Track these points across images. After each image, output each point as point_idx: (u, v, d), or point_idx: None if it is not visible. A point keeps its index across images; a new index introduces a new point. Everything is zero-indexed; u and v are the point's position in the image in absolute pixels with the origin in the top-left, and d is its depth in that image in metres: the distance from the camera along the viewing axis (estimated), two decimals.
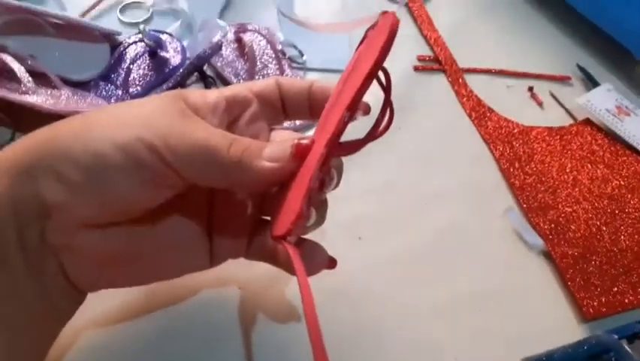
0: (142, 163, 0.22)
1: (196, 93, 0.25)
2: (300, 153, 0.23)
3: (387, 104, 0.24)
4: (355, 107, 0.22)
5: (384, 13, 0.25)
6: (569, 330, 0.39)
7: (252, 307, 0.37)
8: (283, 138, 0.27)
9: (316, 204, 0.25)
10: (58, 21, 0.49)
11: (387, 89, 0.24)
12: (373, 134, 0.25)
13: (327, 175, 0.24)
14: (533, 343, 0.37)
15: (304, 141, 0.24)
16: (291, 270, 0.26)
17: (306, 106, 0.28)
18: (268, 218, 0.27)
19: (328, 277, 0.36)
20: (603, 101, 0.52)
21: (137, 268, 0.26)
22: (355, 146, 0.25)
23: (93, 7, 0.55)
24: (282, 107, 0.28)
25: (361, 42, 0.27)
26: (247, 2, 0.60)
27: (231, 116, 0.27)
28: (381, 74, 0.23)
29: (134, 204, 0.23)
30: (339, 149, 0.24)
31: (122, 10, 0.57)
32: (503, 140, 0.50)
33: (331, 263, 0.28)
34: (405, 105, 0.52)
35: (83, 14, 0.55)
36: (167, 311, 0.36)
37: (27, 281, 0.22)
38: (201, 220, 0.27)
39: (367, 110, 0.26)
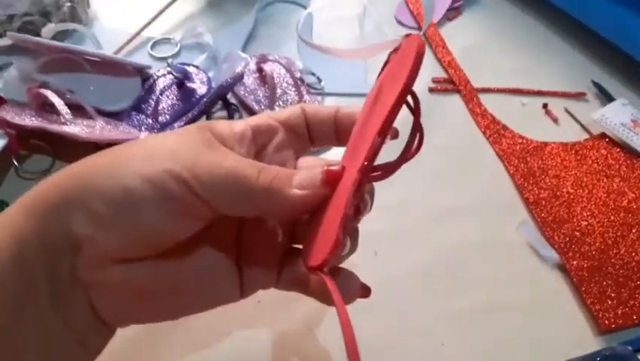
0: (170, 195, 0.22)
1: (223, 124, 0.26)
2: (331, 179, 0.23)
3: (417, 126, 0.24)
4: (387, 131, 0.22)
5: (408, 35, 0.25)
6: (584, 342, 0.39)
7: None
8: (310, 165, 0.27)
9: (350, 232, 0.24)
10: (95, 58, 0.53)
11: (416, 111, 0.24)
12: (405, 157, 0.24)
13: (362, 201, 0.24)
14: (549, 355, 0.38)
15: (334, 167, 0.23)
16: (323, 299, 0.26)
17: (332, 132, 0.28)
18: (299, 246, 0.27)
19: None
20: (618, 116, 0.53)
21: (166, 302, 0.25)
22: (387, 170, 0.24)
23: (126, 44, 0.59)
24: (308, 133, 0.28)
25: (384, 66, 0.27)
26: (269, 34, 0.64)
27: (258, 145, 0.27)
28: (408, 97, 0.23)
29: (163, 237, 0.23)
30: (371, 174, 0.23)
31: (152, 46, 0.61)
32: (518, 156, 0.51)
33: (365, 291, 0.27)
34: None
35: (117, 51, 0.59)
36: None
37: (55, 317, 0.22)
38: (230, 251, 0.27)
39: (396, 135, 0.26)
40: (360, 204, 0.24)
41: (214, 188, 0.22)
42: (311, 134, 0.28)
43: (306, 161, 0.28)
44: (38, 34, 0.56)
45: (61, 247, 0.22)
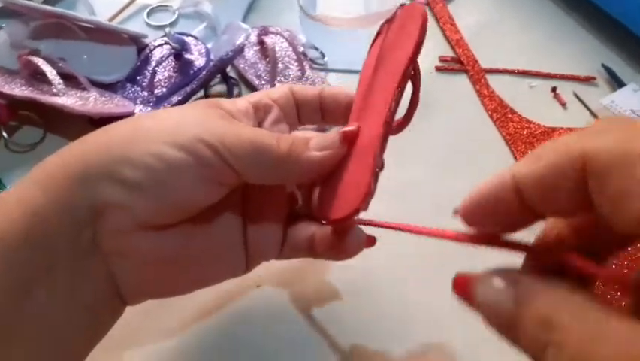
0: (204, 162, 0.23)
1: (227, 101, 0.27)
2: (349, 138, 0.25)
3: (417, 90, 0.27)
4: (404, 86, 0.25)
5: (402, 5, 0.27)
6: None
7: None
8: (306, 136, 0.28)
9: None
10: (88, 25, 0.51)
11: (416, 74, 0.26)
12: (411, 112, 0.27)
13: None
14: None
15: (350, 128, 0.25)
16: (330, 256, 0.27)
17: (317, 111, 0.29)
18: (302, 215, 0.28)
19: (350, 271, 0.37)
20: (629, 102, 0.51)
21: (183, 274, 0.26)
22: (401, 124, 0.27)
23: (121, 10, 0.57)
24: (297, 113, 0.30)
25: (375, 38, 0.28)
26: (270, 5, 0.61)
27: (257, 119, 0.28)
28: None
29: (193, 202, 0.24)
30: (391, 128, 0.25)
31: (149, 14, 0.59)
32: (525, 141, 0.50)
33: (370, 240, 0.28)
34: (426, 105, 0.52)
35: (112, 18, 0.56)
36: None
37: (72, 290, 0.22)
38: (238, 222, 0.27)
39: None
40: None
41: (242, 156, 0.23)
42: (299, 113, 0.30)
43: (301, 134, 0.29)
44: None
45: (84, 219, 0.22)
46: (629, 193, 0.14)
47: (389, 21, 0.28)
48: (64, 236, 0.22)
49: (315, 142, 0.25)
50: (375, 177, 0.24)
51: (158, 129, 0.23)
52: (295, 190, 0.29)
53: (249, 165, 0.24)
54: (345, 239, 0.26)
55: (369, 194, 0.24)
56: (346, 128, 0.25)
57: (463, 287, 0.20)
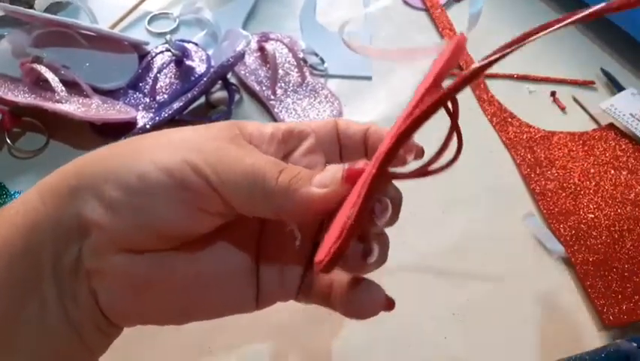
0: (186, 185, 0.21)
1: (252, 124, 0.25)
2: (352, 177, 0.22)
3: (455, 130, 0.21)
4: (409, 130, 0.20)
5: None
6: (588, 337, 0.39)
7: None
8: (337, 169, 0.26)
9: (374, 238, 0.23)
10: (90, 32, 0.51)
11: (454, 114, 0.21)
12: (433, 161, 0.22)
13: (379, 203, 0.22)
14: (552, 349, 0.37)
15: (356, 166, 0.22)
16: (345, 311, 0.25)
17: (361, 149, 0.27)
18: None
19: None
20: (628, 106, 0.52)
21: (174, 302, 0.24)
22: (413, 174, 0.22)
23: (122, 18, 0.57)
24: (339, 148, 0.27)
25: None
26: (270, 12, 0.62)
27: (287, 147, 0.26)
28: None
29: (175, 229, 0.22)
30: (392, 174, 0.22)
31: (150, 21, 0.59)
32: (524, 145, 0.50)
33: (389, 303, 0.25)
34: None
35: (113, 26, 0.57)
36: None
37: (57, 310, 0.22)
38: (249, 255, 0.25)
39: (420, 154, 0.26)
40: (376, 205, 0.22)
41: (231, 184, 0.21)
42: (341, 148, 0.27)
43: (333, 167, 0.26)
44: (31, 6, 0.54)
45: (72, 233, 0.21)
46: None
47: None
48: (49, 250, 0.21)
49: (319, 177, 0.22)
50: (365, 230, 0.21)
51: (151, 149, 0.22)
52: (295, 229, 0.26)
53: (238, 194, 0.22)
54: (358, 294, 0.24)
55: (343, 240, 0.20)
56: (352, 167, 0.22)
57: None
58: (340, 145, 0.27)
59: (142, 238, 0.22)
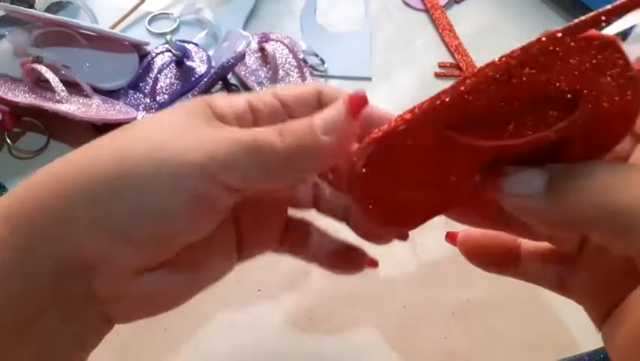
0: (197, 195, 0.19)
1: (222, 99, 0.23)
2: (355, 105, 0.20)
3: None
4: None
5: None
6: (587, 338, 0.39)
7: None
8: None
9: None
10: (90, 32, 0.51)
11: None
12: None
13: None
14: (551, 349, 0.38)
15: (356, 93, 0.20)
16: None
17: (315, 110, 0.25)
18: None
19: (349, 277, 0.37)
20: None
21: (176, 294, 0.23)
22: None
23: (123, 18, 0.57)
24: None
25: None
26: (270, 13, 0.62)
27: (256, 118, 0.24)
28: None
29: (196, 235, 0.21)
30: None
31: (150, 21, 0.59)
32: None
33: (372, 263, 0.27)
34: None
35: (114, 26, 0.57)
36: None
37: (64, 330, 0.20)
38: (230, 224, 0.24)
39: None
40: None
41: (239, 165, 0.19)
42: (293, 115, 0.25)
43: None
44: (32, 6, 0.54)
45: (72, 268, 0.19)
46: None
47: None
48: (50, 287, 0.19)
49: (321, 123, 0.20)
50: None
51: (142, 159, 0.19)
52: (318, 181, 0.25)
53: (249, 173, 0.19)
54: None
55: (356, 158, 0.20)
56: (352, 93, 0.20)
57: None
58: (289, 110, 0.24)
59: (156, 257, 0.21)
